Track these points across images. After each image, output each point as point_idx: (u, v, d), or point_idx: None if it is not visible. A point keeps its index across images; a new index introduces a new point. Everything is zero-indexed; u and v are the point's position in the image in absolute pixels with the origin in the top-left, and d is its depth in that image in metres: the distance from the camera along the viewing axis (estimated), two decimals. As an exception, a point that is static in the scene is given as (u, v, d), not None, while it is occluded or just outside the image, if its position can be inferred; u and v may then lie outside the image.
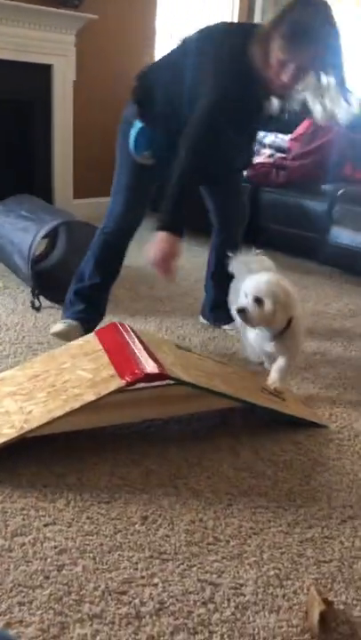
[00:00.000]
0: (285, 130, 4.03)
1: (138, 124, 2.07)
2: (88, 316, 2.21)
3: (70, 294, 2.26)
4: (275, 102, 1.97)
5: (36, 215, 2.75)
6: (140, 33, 4.29)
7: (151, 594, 1.18)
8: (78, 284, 2.24)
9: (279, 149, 4.01)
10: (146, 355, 1.68)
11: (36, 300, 2.54)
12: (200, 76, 1.90)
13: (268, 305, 1.78)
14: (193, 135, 1.87)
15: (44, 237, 2.62)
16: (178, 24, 4.48)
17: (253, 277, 1.84)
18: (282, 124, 2.25)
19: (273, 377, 1.92)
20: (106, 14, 3.98)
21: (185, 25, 4.42)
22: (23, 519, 1.35)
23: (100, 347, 1.78)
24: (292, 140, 3.95)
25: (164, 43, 4.40)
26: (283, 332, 1.86)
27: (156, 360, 1.65)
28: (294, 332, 1.88)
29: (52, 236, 2.97)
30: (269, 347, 1.93)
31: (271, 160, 3.86)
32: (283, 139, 4.05)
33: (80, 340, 1.89)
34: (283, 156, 3.91)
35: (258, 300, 1.79)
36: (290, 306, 1.82)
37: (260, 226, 3.70)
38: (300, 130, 3.93)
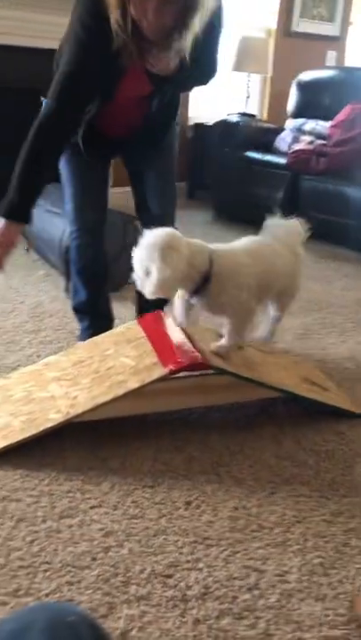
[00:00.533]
0: (326, 116, 3.97)
1: None
2: (96, 328, 2.04)
3: (74, 312, 2.12)
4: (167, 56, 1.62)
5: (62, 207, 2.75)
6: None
7: (196, 578, 1.20)
8: (75, 300, 2.08)
9: (319, 136, 3.95)
10: (188, 343, 1.69)
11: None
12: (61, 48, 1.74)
13: (154, 272, 1.53)
14: (41, 114, 1.68)
15: None
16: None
17: (141, 243, 1.59)
18: (199, 82, 1.85)
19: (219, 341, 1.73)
20: None
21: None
22: (70, 501, 1.38)
23: (143, 334, 1.80)
24: (332, 126, 3.89)
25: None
26: (201, 289, 1.63)
27: (198, 349, 1.66)
28: (220, 289, 1.63)
29: None
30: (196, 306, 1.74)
31: (311, 147, 3.81)
32: (323, 125, 3.99)
33: (122, 327, 1.91)
34: (323, 142, 3.85)
35: (146, 271, 1.56)
36: (191, 263, 1.57)
37: (300, 213, 3.66)
38: (340, 116, 3.87)
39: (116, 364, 1.69)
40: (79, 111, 1.72)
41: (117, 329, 1.92)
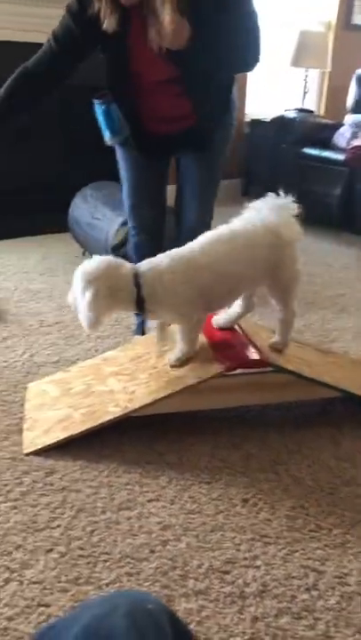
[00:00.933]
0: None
1: (98, 107, 1.85)
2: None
3: None
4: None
5: (110, 206, 2.77)
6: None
7: (254, 575, 1.20)
8: None
9: (380, 132, 3.85)
10: (245, 341, 1.68)
11: None
12: None
13: (80, 308, 1.51)
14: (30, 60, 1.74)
15: (123, 225, 2.65)
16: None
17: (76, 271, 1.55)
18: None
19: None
20: None
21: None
22: (128, 494, 1.40)
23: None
24: (393, 121, 3.79)
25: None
26: (142, 308, 1.57)
27: (255, 347, 1.65)
28: (157, 308, 1.58)
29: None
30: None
31: (370, 143, 3.72)
32: (383, 120, 3.89)
33: (179, 324, 1.92)
34: (383, 138, 3.75)
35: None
36: (115, 294, 1.52)
37: (357, 212, 3.59)
38: None
39: (173, 360, 1.70)
40: (51, 66, 1.72)
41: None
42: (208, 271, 1.56)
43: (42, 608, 1.10)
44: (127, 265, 1.58)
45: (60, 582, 1.15)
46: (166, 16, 1.51)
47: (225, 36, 1.62)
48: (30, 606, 1.10)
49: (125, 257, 2.78)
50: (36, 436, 1.57)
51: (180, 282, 1.55)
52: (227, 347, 1.67)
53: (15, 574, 1.16)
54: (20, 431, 1.60)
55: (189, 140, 1.89)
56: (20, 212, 3.66)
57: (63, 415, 1.63)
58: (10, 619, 1.07)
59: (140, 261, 2.01)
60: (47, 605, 1.10)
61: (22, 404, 1.72)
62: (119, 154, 1.99)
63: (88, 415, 1.59)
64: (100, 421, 1.56)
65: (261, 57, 1.73)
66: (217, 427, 1.67)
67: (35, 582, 1.15)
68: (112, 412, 1.57)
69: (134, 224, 2.06)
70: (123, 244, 2.98)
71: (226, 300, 1.67)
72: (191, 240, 1.75)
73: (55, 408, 1.67)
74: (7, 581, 1.15)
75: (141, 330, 2.05)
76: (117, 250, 2.79)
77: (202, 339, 1.74)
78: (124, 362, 1.80)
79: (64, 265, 2.85)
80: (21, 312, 2.36)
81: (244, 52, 1.70)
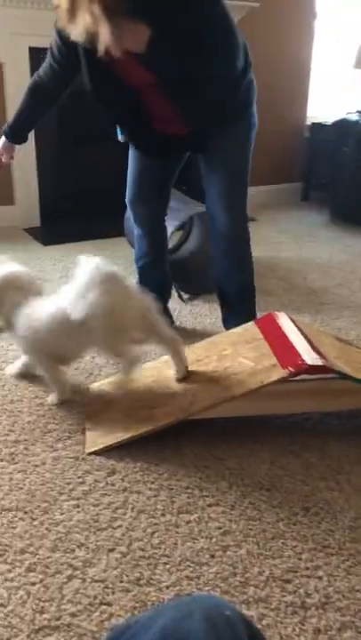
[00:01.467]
0: None
1: None
2: None
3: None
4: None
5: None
6: (301, 20, 4.20)
7: (316, 586, 1.17)
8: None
9: None
10: (308, 346, 1.65)
11: (182, 293, 2.60)
12: None
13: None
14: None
15: (179, 229, 2.66)
16: (339, 10, 4.31)
17: None
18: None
19: None
20: (268, 1, 3.94)
21: (346, 10, 4.25)
22: (188, 497, 1.40)
23: (261, 335, 1.79)
24: None
25: (325, 29, 4.27)
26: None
27: (318, 352, 1.62)
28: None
29: (187, 227, 2.97)
30: None
31: None
32: None
33: (240, 329, 1.91)
34: None
35: None
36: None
37: None
38: None
39: (234, 364, 1.69)
40: (54, 79, 1.89)
41: (235, 330, 1.93)
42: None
43: (104, 607, 1.11)
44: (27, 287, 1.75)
45: (121, 582, 1.17)
46: (123, 33, 1.50)
47: (191, 40, 1.57)
48: (93, 604, 1.12)
49: (181, 260, 2.82)
50: (98, 435, 1.59)
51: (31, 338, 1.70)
52: (289, 351, 1.64)
53: (78, 572, 1.18)
54: (83, 431, 1.63)
55: (187, 143, 1.93)
56: (78, 216, 3.75)
57: (124, 416, 1.65)
58: (73, 615, 1.09)
59: (139, 253, 2.22)
60: (109, 604, 1.11)
61: (84, 404, 1.75)
62: (130, 151, 2.09)
63: (148, 417, 1.61)
64: (160, 423, 1.57)
65: (238, 63, 1.69)
66: (276, 433, 1.65)
67: (97, 580, 1.17)
68: (172, 414, 1.58)
69: (132, 218, 2.19)
70: (178, 247, 3.01)
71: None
72: (222, 246, 2.03)
73: (116, 409, 1.69)
74: (70, 578, 1.17)
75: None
76: (172, 253, 2.82)
77: (264, 343, 1.73)
78: (184, 365, 1.80)
79: (124, 269, 2.87)
80: (82, 314, 2.41)
81: (214, 56, 1.63)
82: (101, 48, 1.51)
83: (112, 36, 1.48)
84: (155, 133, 1.91)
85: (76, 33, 1.52)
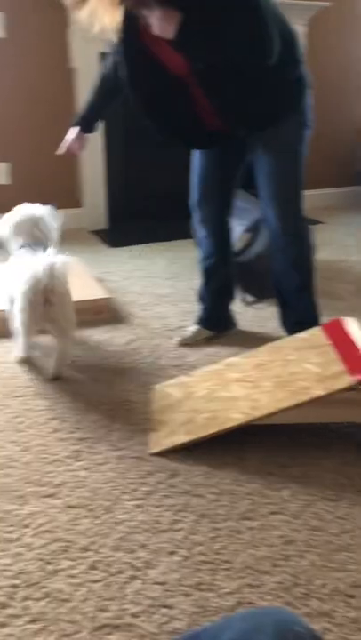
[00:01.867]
0: None
1: None
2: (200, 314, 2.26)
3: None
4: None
5: (234, 212, 2.74)
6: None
7: (383, 603, 1.13)
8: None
9: None
10: (378, 353, 1.60)
11: (247, 296, 2.58)
12: None
13: None
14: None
15: (247, 232, 2.62)
16: None
17: None
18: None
19: None
20: (340, 1, 3.85)
21: None
22: (250, 504, 1.38)
23: (328, 341, 1.75)
24: None
25: None
26: None
27: (389, 360, 1.57)
28: None
29: (253, 230, 2.94)
30: None
31: None
32: None
33: (305, 334, 1.87)
34: None
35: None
36: None
37: None
38: None
39: (299, 370, 1.66)
40: (116, 70, 1.91)
41: (300, 335, 1.89)
42: None
43: (164, 609, 1.11)
44: None
45: (182, 586, 1.16)
46: (156, 18, 1.59)
47: (221, 22, 1.58)
48: (153, 606, 1.12)
49: (247, 262, 2.79)
50: (161, 437, 1.60)
51: None
52: (358, 358, 1.60)
53: (139, 572, 1.19)
54: (144, 431, 1.64)
55: (229, 136, 1.92)
56: (145, 219, 3.79)
57: (186, 418, 1.65)
58: (134, 615, 1.09)
59: (203, 254, 2.19)
60: (170, 607, 1.11)
61: (146, 405, 1.76)
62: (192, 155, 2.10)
63: (211, 420, 1.60)
64: (223, 427, 1.56)
65: (272, 53, 1.63)
66: (342, 442, 1.61)
67: (158, 583, 1.17)
68: (235, 418, 1.56)
69: (196, 219, 2.16)
70: (244, 249, 2.98)
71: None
72: (276, 244, 2.02)
73: (179, 411, 1.69)
74: (132, 578, 1.18)
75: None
76: (239, 255, 2.79)
77: (331, 349, 1.68)
78: (247, 369, 1.79)
79: (189, 271, 2.89)
80: (147, 315, 2.43)
81: (244, 40, 1.63)
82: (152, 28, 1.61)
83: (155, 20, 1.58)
84: (203, 126, 1.91)
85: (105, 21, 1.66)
